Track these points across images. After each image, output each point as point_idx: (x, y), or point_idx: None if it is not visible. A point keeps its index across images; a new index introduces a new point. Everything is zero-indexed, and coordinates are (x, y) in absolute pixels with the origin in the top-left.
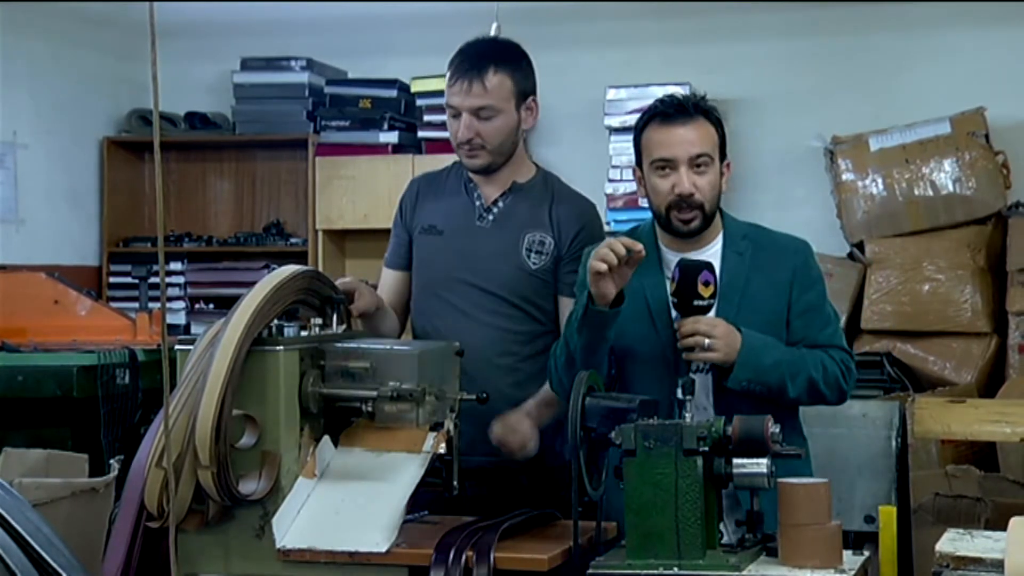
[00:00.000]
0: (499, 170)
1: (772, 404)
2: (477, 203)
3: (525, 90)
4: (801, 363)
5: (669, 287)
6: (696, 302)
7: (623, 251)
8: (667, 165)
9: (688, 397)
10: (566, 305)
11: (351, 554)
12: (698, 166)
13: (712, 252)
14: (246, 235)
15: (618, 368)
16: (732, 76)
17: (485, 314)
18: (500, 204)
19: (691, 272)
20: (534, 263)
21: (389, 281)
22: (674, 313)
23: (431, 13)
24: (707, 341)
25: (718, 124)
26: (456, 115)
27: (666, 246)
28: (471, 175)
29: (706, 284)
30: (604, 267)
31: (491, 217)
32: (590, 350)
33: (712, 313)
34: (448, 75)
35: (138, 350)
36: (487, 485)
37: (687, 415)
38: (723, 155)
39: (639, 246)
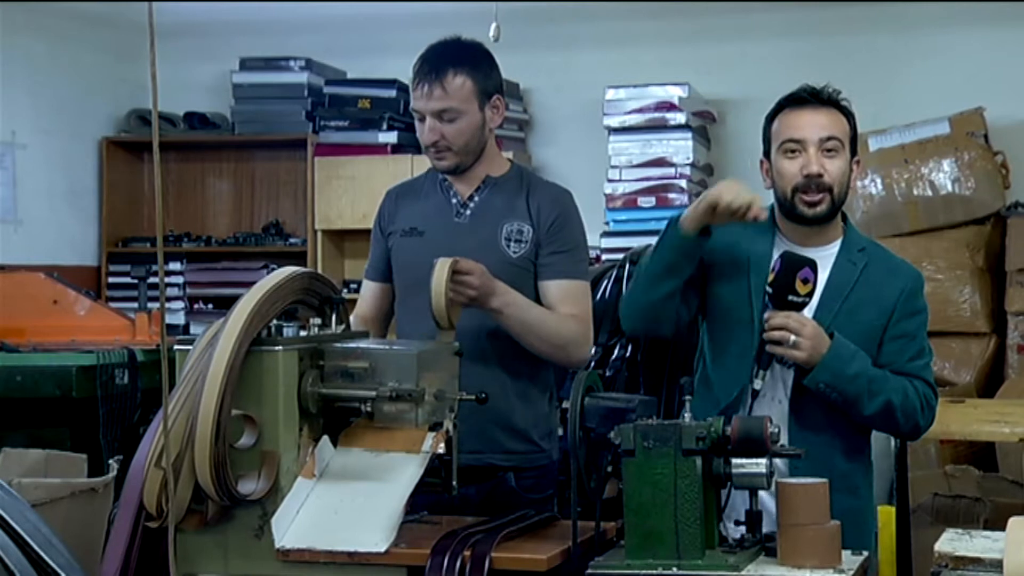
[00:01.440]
0: (470, 168)
1: (845, 419)
2: (453, 200)
3: (488, 89)
4: (884, 384)
5: (769, 276)
6: (791, 297)
7: (746, 202)
8: (796, 147)
9: (687, 397)
10: (548, 288)
11: (350, 554)
12: (829, 150)
13: (828, 254)
14: (245, 235)
15: (709, 330)
16: (731, 76)
17: (470, 307)
18: (476, 198)
19: (793, 266)
20: (514, 252)
21: (369, 294)
22: (767, 303)
23: (430, 13)
24: (792, 338)
25: (850, 118)
26: (422, 119)
27: (785, 236)
28: (447, 175)
29: (805, 281)
30: (728, 200)
31: (468, 212)
32: (669, 272)
33: (809, 312)
34: (412, 80)
35: (137, 350)
36: (473, 484)
37: (686, 415)
38: (854, 152)
39: (764, 215)
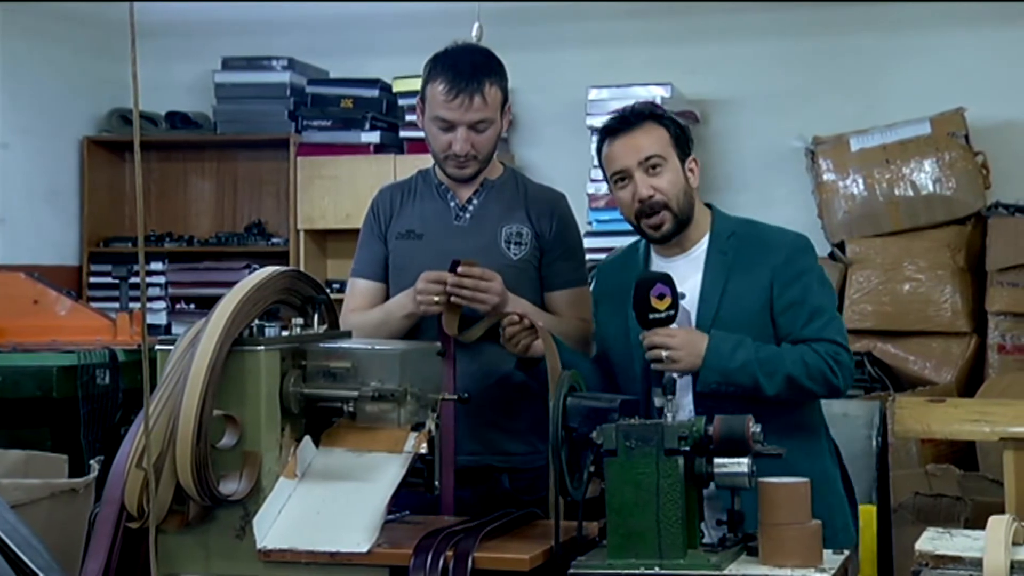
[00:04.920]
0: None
1: (777, 422)
2: (452, 204)
3: (506, 96)
4: (778, 361)
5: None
6: (652, 315)
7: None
8: (623, 176)
9: (669, 397)
10: (555, 298)
11: (332, 554)
12: (652, 167)
13: (697, 255)
14: (227, 235)
15: (606, 364)
16: (714, 76)
17: (468, 311)
18: (475, 202)
19: (643, 287)
20: (515, 254)
21: (365, 293)
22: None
23: (413, 13)
24: (664, 354)
25: (670, 124)
26: (448, 128)
27: (657, 255)
28: (442, 179)
29: (660, 297)
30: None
31: (467, 216)
32: None
33: (693, 319)
34: (439, 88)
35: (118, 350)
36: (468, 486)
37: (668, 415)
38: (685, 152)
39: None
